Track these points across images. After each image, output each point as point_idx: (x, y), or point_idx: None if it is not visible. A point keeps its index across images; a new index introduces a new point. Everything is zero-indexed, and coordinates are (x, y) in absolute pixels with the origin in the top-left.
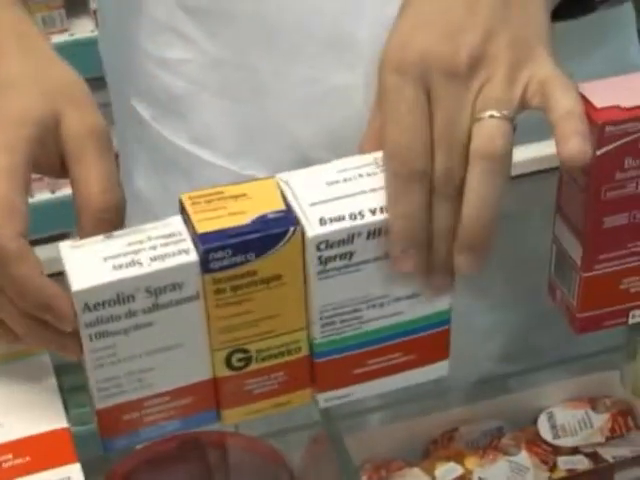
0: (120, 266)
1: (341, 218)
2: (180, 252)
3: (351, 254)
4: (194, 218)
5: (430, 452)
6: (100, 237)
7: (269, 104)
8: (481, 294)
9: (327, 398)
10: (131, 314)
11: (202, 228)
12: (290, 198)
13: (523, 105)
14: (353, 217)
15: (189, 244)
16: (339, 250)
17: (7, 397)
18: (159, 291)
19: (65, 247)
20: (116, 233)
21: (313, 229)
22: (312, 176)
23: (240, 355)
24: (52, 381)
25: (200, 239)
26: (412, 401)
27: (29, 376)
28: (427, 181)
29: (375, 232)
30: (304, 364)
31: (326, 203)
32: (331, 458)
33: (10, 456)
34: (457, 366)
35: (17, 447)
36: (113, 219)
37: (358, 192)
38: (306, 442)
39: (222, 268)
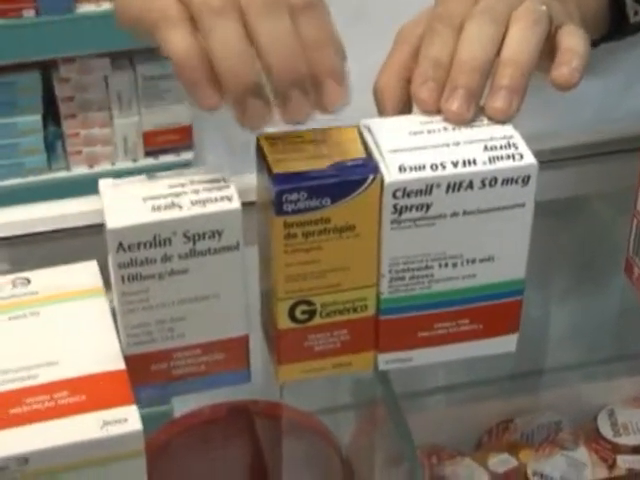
0: (159, 207)
1: (421, 167)
2: (223, 198)
3: (428, 206)
4: (270, 158)
5: (483, 442)
6: (142, 177)
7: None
8: (547, 285)
9: (388, 360)
10: (167, 258)
11: (278, 169)
12: (371, 144)
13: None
14: (434, 167)
15: (233, 191)
16: (416, 200)
17: (63, 336)
18: (197, 237)
19: (105, 184)
20: (158, 174)
21: (391, 175)
22: (396, 125)
23: (304, 307)
24: (109, 323)
25: (275, 180)
26: (467, 387)
27: (86, 316)
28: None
29: (455, 186)
30: (369, 324)
31: (407, 151)
32: (382, 438)
33: (65, 393)
34: (517, 355)
35: (73, 385)
36: None
37: (441, 144)
38: (355, 421)
39: (295, 212)
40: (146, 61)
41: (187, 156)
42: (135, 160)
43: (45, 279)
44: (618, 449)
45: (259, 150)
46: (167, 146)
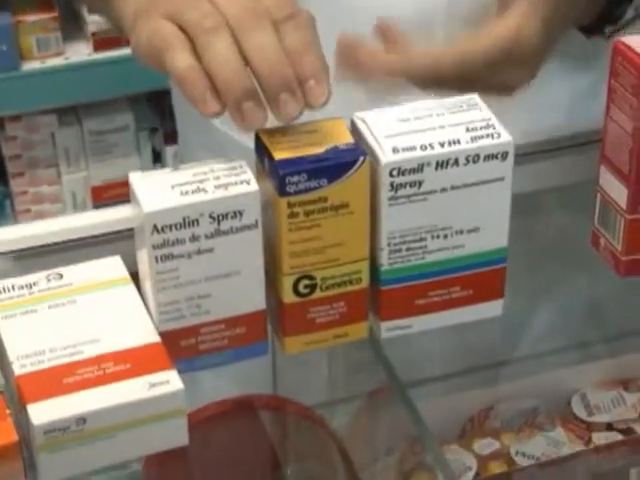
0: (187, 192)
1: (412, 148)
2: (242, 182)
3: (420, 183)
4: (272, 147)
5: (466, 430)
6: (167, 169)
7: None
8: (517, 278)
9: (389, 327)
10: (195, 238)
11: (279, 155)
12: (365, 131)
13: None
14: (424, 148)
15: (250, 175)
16: (409, 178)
17: (101, 318)
18: (221, 217)
19: (135, 176)
20: (182, 166)
21: (387, 156)
22: (386, 114)
23: (306, 282)
24: (141, 305)
25: (278, 164)
26: (448, 379)
27: (119, 301)
28: None
29: (443, 163)
30: (363, 296)
31: (399, 136)
32: (378, 428)
33: (111, 364)
34: (493, 346)
35: (116, 357)
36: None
37: (428, 128)
38: (348, 413)
39: (296, 192)
40: (92, 116)
41: None
42: None
43: (76, 273)
44: (592, 427)
45: (259, 142)
46: (116, 200)
